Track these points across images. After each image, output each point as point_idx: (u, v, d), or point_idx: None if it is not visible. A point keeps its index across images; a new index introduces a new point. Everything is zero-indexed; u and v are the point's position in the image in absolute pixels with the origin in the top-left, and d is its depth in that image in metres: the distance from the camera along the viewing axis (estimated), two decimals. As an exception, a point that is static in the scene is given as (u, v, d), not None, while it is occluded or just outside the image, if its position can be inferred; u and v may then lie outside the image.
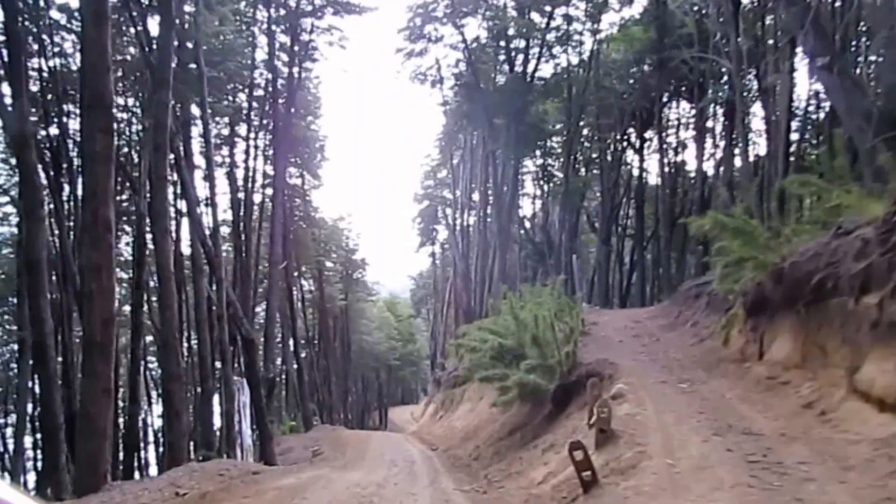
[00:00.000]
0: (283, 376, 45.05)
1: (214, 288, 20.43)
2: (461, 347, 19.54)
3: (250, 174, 29.80)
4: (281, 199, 27.79)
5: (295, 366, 39.64)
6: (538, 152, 43.47)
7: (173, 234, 23.23)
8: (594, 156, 39.11)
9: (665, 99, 35.85)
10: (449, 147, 42.22)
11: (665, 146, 36.26)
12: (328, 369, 50.40)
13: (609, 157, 37.68)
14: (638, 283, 39.30)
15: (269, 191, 31.64)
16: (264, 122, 29.93)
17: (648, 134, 38.83)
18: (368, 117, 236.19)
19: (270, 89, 28.98)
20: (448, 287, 47.79)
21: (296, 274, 42.12)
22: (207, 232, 19.83)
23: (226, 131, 34.16)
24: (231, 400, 17.93)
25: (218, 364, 21.54)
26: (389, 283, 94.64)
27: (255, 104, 30.94)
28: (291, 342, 39.25)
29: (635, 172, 38.85)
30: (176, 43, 19.16)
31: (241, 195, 29.48)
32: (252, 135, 30.60)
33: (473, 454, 17.83)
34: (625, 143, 39.38)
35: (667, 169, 36.66)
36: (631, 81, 37.25)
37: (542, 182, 43.85)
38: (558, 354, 14.84)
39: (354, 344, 63.94)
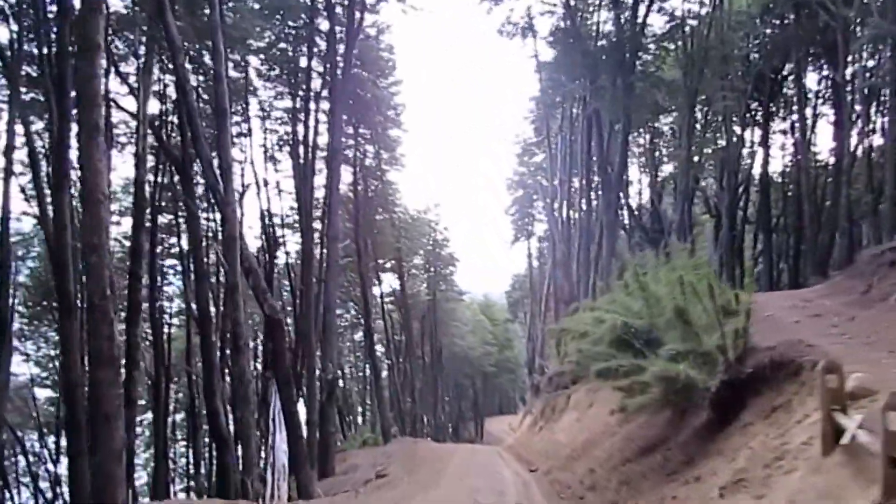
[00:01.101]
0: (363, 383, 41.46)
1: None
2: (566, 335, 14.54)
3: (310, 142, 25.84)
4: (338, 164, 23.66)
5: (368, 369, 35.58)
6: (646, 133, 37.86)
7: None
8: (714, 130, 33.26)
9: (799, 63, 29.37)
10: (545, 119, 37.04)
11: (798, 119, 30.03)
12: (411, 374, 46.06)
13: (733, 131, 31.79)
14: (766, 267, 34.29)
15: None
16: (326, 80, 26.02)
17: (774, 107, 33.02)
18: (449, 91, 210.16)
19: (327, 42, 24.71)
20: (546, 280, 42.42)
21: (371, 265, 38.05)
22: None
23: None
24: (245, 404, 13.57)
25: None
26: (482, 287, 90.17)
27: (315, 64, 27.14)
28: (366, 342, 35.07)
29: (759, 151, 32.92)
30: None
31: (300, 161, 25.65)
32: (313, 100, 26.71)
33: (587, 481, 12.90)
34: (748, 116, 33.30)
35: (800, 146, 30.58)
36: (757, 41, 31.30)
37: (649, 166, 38.46)
38: (720, 337, 9.70)
39: (445, 349, 59.53)
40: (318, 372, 20.19)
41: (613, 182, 25.76)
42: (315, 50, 27.11)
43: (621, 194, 28.06)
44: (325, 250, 23.18)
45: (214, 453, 24.38)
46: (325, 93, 26.53)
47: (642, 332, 11.24)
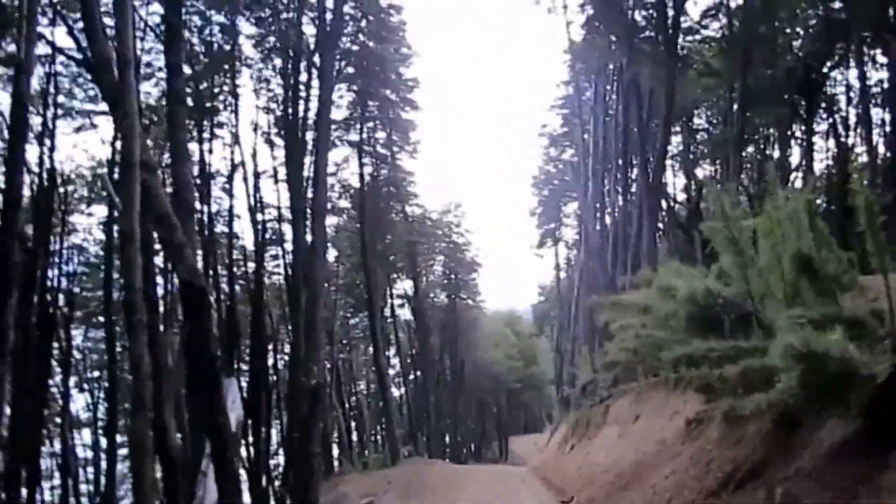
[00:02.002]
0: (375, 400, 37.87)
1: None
2: (617, 314, 10.82)
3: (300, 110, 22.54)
4: (328, 123, 20.27)
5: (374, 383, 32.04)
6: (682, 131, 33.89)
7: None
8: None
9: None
10: (577, 91, 33.28)
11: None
12: (426, 389, 42.33)
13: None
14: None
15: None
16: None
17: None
18: (469, 78, 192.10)
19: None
20: (576, 285, 38.39)
21: (383, 266, 34.59)
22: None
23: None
24: (141, 408, 9.84)
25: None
26: (507, 301, 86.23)
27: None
28: (371, 351, 31.45)
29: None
30: None
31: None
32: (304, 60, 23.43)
33: (648, 523, 9.21)
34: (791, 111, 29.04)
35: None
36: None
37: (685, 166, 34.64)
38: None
39: (467, 363, 55.76)
40: (302, 380, 16.73)
41: (655, 162, 22.15)
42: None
43: (663, 176, 24.38)
44: (308, 227, 19.70)
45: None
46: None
47: (734, 303, 7.57)
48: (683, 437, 11.38)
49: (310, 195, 18.80)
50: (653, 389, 14.79)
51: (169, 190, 14.48)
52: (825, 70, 25.60)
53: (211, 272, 25.29)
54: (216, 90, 26.68)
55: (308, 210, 19.32)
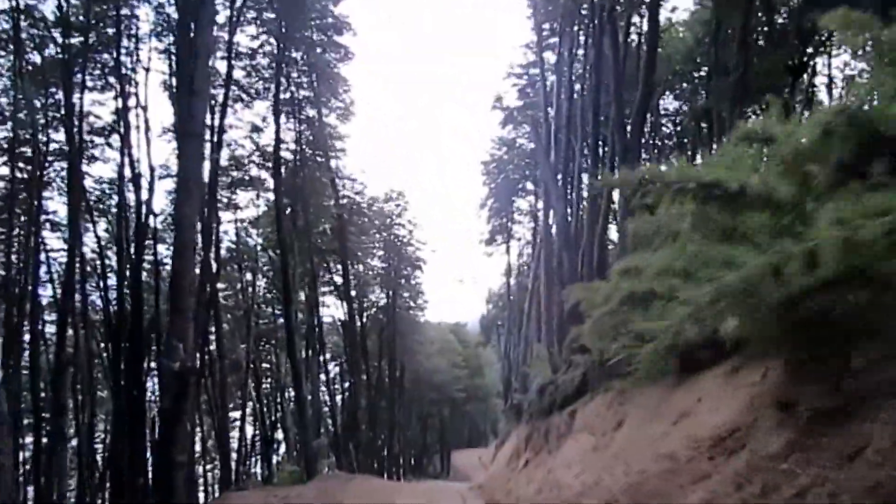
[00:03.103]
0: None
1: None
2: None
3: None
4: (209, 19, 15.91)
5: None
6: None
7: None
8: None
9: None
10: (539, 50, 29.22)
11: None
12: (354, 393, 37.94)
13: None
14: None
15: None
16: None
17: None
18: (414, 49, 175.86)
19: None
20: (536, 261, 33.82)
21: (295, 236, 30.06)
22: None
23: None
24: None
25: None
26: (452, 315, 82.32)
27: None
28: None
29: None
30: None
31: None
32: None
33: None
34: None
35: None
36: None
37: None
38: None
39: (408, 371, 51.43)
40: (164, 361, 12.39)
41: (634, 116, 18.33)
42: None
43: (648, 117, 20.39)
44: (178, 153, 15.30)
45: None
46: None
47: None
48: (712, 447, 7.48)
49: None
50: (643, 386, 10.88)
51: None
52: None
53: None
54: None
55: (177, 131, 15.04)
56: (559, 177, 25.28)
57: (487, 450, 45.08)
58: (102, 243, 28.03)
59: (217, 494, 25.13)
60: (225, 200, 32.59)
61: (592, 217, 20.68)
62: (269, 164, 29.31)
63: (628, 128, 18.07)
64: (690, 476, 7.40)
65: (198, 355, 24.44)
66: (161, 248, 27.98)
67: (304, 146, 31.49)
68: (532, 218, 44.01)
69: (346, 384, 47.86)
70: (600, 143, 23.26)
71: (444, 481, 42.37)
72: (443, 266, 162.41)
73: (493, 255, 50.53)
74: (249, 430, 43.83)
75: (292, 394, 40.33)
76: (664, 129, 32.07)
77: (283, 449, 40.99)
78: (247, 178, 32.26)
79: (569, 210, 24.13)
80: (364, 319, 43.82)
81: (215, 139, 26.10)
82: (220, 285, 36.03)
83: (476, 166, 54.39)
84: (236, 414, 42.74)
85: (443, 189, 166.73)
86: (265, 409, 39.95)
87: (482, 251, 51.25)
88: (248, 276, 36.66)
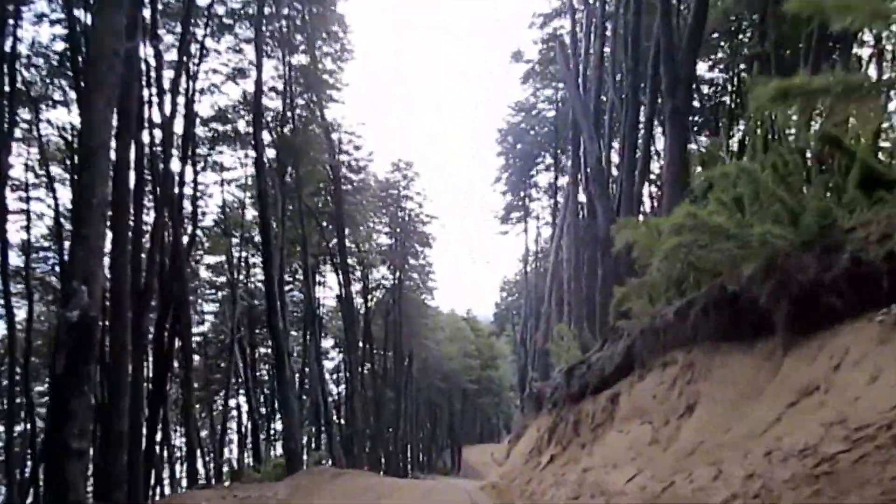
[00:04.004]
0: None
1: None
2: None
3: None
4: None
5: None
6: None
7: None
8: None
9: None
10: None
11: None
12: (351, 378, 34.66)
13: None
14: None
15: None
16: None
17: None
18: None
19: None
20: (561, 226, 29.78)
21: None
22: None
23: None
24: None
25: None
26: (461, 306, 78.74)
27: None
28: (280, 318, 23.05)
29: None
30: None
31: None
32: None
33: None
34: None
35: None
36: None
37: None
38: None
39: (417, 359, 48.13)
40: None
41: (686, 40, 14.87)
42: None
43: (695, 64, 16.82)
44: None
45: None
46: None
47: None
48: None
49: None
50: (726, 354, 7.53)
51: None
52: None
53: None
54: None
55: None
56: (591, 112, 21.56)
57: (500, 445, 41.89)
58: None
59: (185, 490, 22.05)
60: (208, 158, 29.30)
61: (630, 159, 17.25)
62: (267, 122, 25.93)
63: (674, 57, 14.61)
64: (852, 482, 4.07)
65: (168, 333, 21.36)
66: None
67: (293, 91, 28.12)
68: (551, 194, 40.40)
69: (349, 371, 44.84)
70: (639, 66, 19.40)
71: (452, 478, 39.20)
72: (454, 249, 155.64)
73: (508, 235, 46.72)
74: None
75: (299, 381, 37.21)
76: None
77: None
78: (231, 133, 28.90)
79: (602, 154, 20.57)
80: (368, 301, 40.44)
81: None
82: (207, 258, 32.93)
83: (491, 136, 50.47)
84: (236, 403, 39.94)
85: (454, 162, 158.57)
86: (256, 396, 36.79)
87: (496, 231, 47.41)
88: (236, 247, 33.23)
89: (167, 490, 28.20)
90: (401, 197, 40.47)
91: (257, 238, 29.55)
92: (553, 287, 28.60)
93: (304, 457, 28.21)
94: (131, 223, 16.16)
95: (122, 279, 13.45)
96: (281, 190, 26.32)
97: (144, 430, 18.23)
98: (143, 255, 19.02)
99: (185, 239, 24.00)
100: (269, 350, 39.78)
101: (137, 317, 16.71)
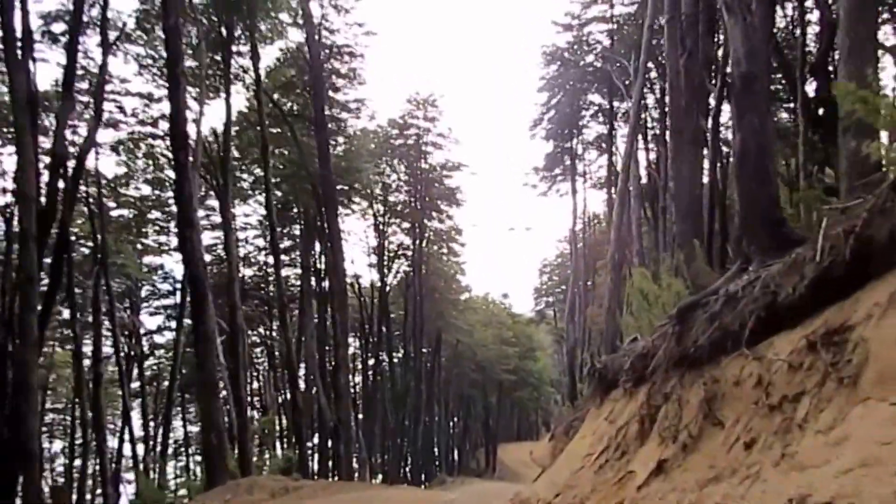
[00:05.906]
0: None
1: None
2: None
3: None
4: None
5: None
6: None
7: None
8: None
9: None
10: None
11: None
12: (337, 362, 28.36)
13: None
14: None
15: None
16: None
17: None
18: None
19: None
20: (624, 180, 22.96)
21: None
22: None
23: None
24: None
25: None
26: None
27: None
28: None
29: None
30: None
31: None
32: None
33: None
34: None
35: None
36: None
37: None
38: None
39: (445, 344, 42.15)
40: None
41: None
42: None
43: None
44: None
45: None
46: None
47: None
48: None
49: None
50: None
51: None
52: None
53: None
54: None
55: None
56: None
57: (541, 443, 35.81)
58: None
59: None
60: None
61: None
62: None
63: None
64: None
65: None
66: None
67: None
68: (603, 149, 33.76)
69: (370, 361, 38.99)
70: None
71: (488, 482, 33.47)
72: (487, 220, 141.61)
73: (548, 197, 39.38)
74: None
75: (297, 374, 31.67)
76: None
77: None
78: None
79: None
80: (385, 269, 34.30)
81: None
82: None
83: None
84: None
85: (486, 106, 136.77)
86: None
87: (535, 192, 39.76)
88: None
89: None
90: (421, 143, 33.69)
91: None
92: (616, 252, 22.20)
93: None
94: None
95: None
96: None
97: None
98: None
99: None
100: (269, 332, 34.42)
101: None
